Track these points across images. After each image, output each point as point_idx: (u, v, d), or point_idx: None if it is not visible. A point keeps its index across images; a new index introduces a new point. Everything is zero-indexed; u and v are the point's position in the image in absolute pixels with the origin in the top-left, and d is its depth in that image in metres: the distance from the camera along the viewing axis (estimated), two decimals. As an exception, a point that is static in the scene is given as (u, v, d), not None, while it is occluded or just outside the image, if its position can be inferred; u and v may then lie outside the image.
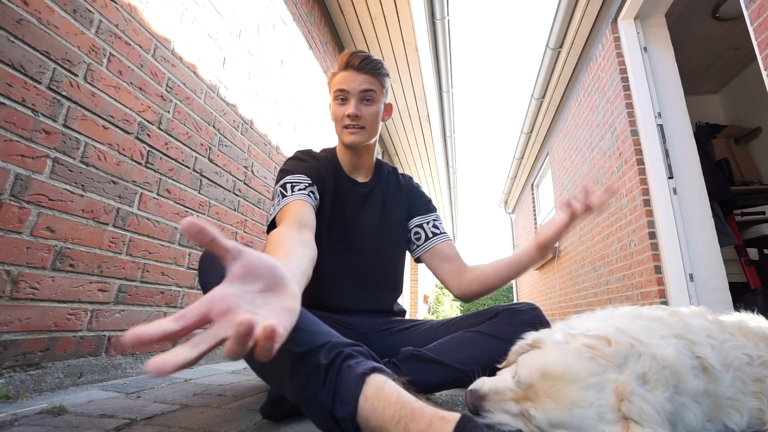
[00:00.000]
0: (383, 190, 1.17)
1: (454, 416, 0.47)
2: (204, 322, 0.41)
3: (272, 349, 0.40)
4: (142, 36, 1.29)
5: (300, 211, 0.89)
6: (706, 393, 0.58)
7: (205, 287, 0.77)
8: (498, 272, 1.01)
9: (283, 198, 0.95)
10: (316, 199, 1.00)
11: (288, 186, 0.97)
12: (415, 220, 1.18)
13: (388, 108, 1.14)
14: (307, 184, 0.99)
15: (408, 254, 1.23)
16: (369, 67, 1.04)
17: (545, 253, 0.96)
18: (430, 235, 1.15)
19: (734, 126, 3.62)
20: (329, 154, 1.15)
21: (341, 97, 1.05)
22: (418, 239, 1.17)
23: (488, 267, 1.03)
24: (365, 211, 1.13)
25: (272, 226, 0.97)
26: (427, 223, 1.17)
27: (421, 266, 8.48)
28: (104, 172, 1.16)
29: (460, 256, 1.12)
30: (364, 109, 1.05)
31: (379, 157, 1.24)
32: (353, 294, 1.09)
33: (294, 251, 0.69)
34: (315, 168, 1.06)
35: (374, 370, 0.54)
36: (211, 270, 0.73)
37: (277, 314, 0.45)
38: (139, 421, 0.77)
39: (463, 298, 1.08)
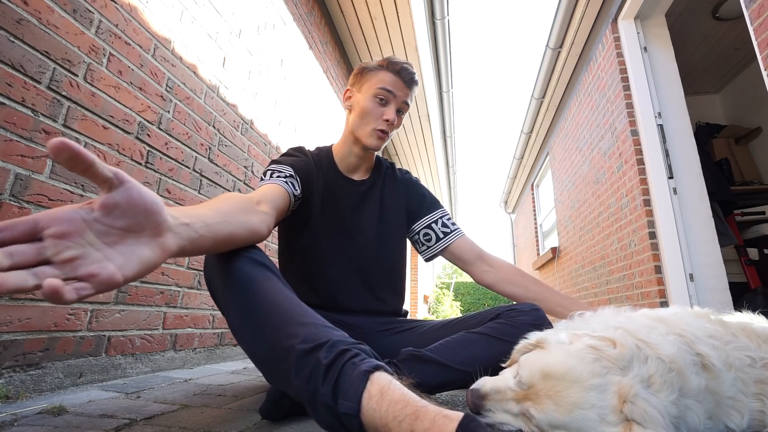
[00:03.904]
0: (381, 186, 1.16)
1: (458, 415, 0.47)
2: (31, 237, 0.38)
3: (57, 301, 0.37)
4: (142, 36, 1.29)
5: (268, 190, 0.88)
6: (708, 390, 0.57)
7: (212, 285, 0.76)
8: (541, 303, 1.00)
9: (260, 182, 0.96)
10: (295, 189, 0.97)
11: (269, 173, 0.97)
12: (423, 221, 1.16)
13: None
14: (288, 174, 0.98)
15: (411, 249, 1.23)
16: (413, 85, 1.09)
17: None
18: (441, 235, 1.14)
19: (734, 126, 3.62)
20: (323, 152, 1.14)
21: (384, 97, 1.05)
22: (429, 240, 1.16)
23: (535, 290, 1.06)
24: (363, 209, 1.12)
25: None
26: (435, 222, 1.15)
27: (421, 266, 8.47)
28: (104, 172, 1.16)
29: (479, 250, 1.13)
30: (397, 120, 1.08)
31: (378, 155, 1.24)
32: (357, 293, 1.08)
33: (221, 206, 0.65)
34: (302, 162, 1.05)
35: (378, 368, 0.54)
36: (218, 267, 0.73)
37: (123, 258, 0.42)
38: (139, 421, 0.77)
39: (488, 288, 1.12)
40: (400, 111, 1.09)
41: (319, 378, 0.54)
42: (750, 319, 0.76)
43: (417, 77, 1.10)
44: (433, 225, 1.15)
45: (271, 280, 0.69)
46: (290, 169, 0.99)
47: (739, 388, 0.61)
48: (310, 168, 1.06)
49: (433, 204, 1.19)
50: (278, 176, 0.96)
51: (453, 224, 1.16)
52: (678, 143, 2.40)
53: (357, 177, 1.15)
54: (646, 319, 0.65)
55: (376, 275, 1.11)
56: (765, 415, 0.61)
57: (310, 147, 1.19)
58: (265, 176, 0.97)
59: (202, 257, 1.61)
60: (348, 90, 1.14)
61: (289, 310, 0.63)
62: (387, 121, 1.04)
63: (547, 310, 1.00)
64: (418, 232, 1.17)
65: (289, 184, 0.95)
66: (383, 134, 1.06)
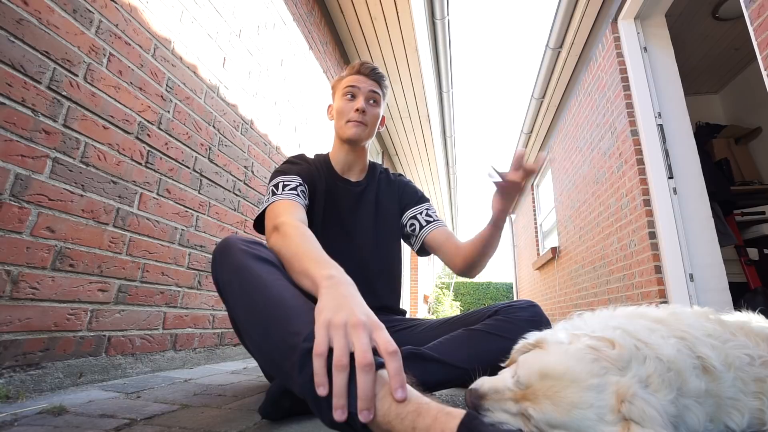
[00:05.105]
0: (376, 187, 1.21)
1: (460, 412, 0.48)
2: None
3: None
4: (142, 36, 1.29)
5: (297, 210, 0.95)
6: (708, 393, 0.57)
7: (219, 282, 0.77)
8: (474, 247, 1.05)
9: (273, 195, 1.00)
10: (305, 198, 1.05)
11: (280, 185, 1.02)
12: (409, 213, 1.22)
13: (383, 119, 1.24)
14: (297, 184, 1.04)
15: (410, 251, 1.26)
16: (377, 75, 1.16)
17: (501, 225, 1.00)
18: (424, 223, 1.20)
19: (734, 126, 3.61)
20: (321, 158, 1.21)
21: (350, 93, 1.14)
22: (414, 230, 1.21)
23: (468, 243, 1.08)
24: (360, 208, 1.17)
25: (260, 219, 1.02)
26: (420, 213, 1.22)
27: (421, 266, 8.48)
28: (104, 172, 1.16)
29: (454, 237, 1.16)
30: (369, 109, 1.13)
31: (379, 158, 1.28)
32: None
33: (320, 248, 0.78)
34: (306, 169, 1.12)
35: (381, 366, 0.54)
36: (225, 264, 0.74)
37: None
38: (139, 421, 0.77)
39: (462, 274, 1.13)
40: (373, 101, 1.15)
41: None
42: (748, 318, 0.76)
43: (379, 69, 1.17)
44: (418, 215, 1.21)
45: (277, 276, 0.70)
46: (298, 178, 1.05)
47: (738, 387, 0.61)
48: (313, 173, 1.12)
49: (422, 199, 1.26)
50: (290, 189, 1.01)
51: (436, 216, 1.22)
52: (678, 143, 2.40)
53: (353, 178, 1.20)
54: (644, 320, 0.65)
55: (374, 272, 1.13)
56: (764, 414, 0.61)
57: (309, 152, 1.24)
58: (277, 189, 1.01)
59: (203, 257, 1.61)
60: (330, 105, 1.23)
61: (294, 307, 0.63)
62: (357, 110, 1.11)
63: (483, 245, 1.03)
64: (407, 224, 1.22)
65: (300, 195, 1.02)
66: (357, 123, 1.12)
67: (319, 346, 0.53)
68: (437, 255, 1.18)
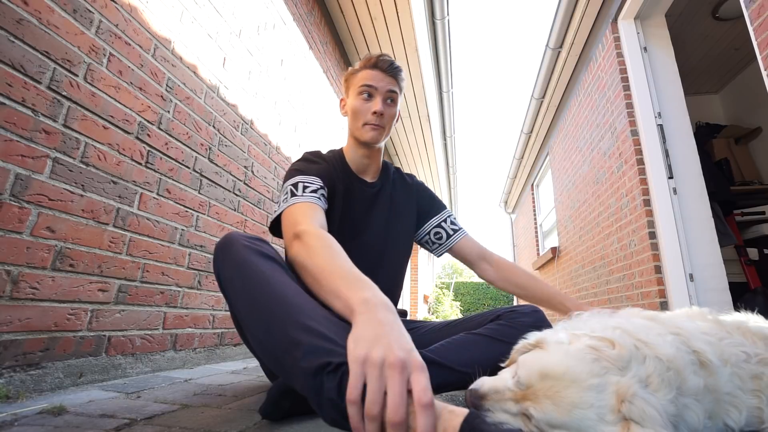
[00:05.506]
0: (390, 189, 1.19)
1: (463, 411, 0.48)
2: None
3: None
4: (142, 36, 1.29)
5: (318, 215, 0.90)
6: (707, 389, 0.57)
7: (220, 277, 0.77)
8: (534, 297, 1.12)
9: (292, 196, 0.94)
10: (325, 202, 1.00)
11: (300, 185, 0.96)
12: (433, 221, 1.24)
13: (398, 114, 1.19)
14: (318, 187, 0.98)
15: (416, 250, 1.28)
16: (394, 71, 1.09)
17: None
18: (451, 233, 1.23)
19: (734, 126, 3.62)
20: (336, 155, 1.16)
21: (367, 92, 1.07)
22: (440, 238, 1.23)
23: (525, 281, 1.15)
24: (374, 210, 1.15)
25: (277, 221, 0.96)
26: (444, 221, 1.24)
27: (421, 266, 8.48)
28: (104, 172, 1.16)
29: (486, 250, 1.22)
30: (386, 110, 1.08)
31: (385, 160, 1.27)
32: None
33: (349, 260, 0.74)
34: (326, 169, 1.06)
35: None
36: (227, 260, 0.73)
37: None
38: (139, 421, 0.77)
39: (489, 283, 1.22)
40: (390, 100, 1.09)
41: (324, 372, 0.54)
42: (746, 317, 0.76)
43: (396, 63, 1.10)
44: (443, 224, 1.24)
45: (279, 272, 0.70)
46: (319, 180, 1.00)
47: (736, 384, 0.61)
48: (332, 173, 1.08)
49: (441, 205, 1.28)
50: (311, 192, 0.95)
51: (459, 224, 1.26)
52: (678, 143, 2.40)
53: (369, 179, 1.17)
54: (642, 319, 0.65)
55: (383, 274, 1.12)
56: (762, 412, 0.61)
57: (316, 148, 1.23)
58: (296, 189, 0.95)
59: (203, 257, 1.61)
60: (342, 99, 1.18)
61: (297, 304, 0.63)
62: (375, 113, 1.06)
63: (546, 308, 1.06)
64: (429, 232, 1.24)
65: (321, 198, 0.97)
66: (375, 126, 1.07)
67: (353, 391, 0.48)
68: (462, 261, 1.24)
